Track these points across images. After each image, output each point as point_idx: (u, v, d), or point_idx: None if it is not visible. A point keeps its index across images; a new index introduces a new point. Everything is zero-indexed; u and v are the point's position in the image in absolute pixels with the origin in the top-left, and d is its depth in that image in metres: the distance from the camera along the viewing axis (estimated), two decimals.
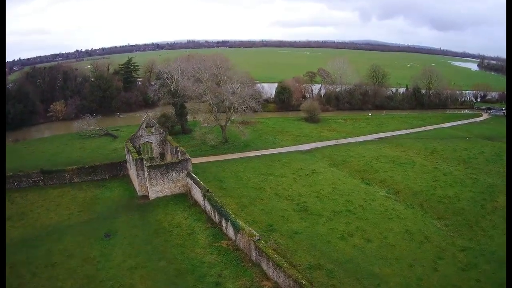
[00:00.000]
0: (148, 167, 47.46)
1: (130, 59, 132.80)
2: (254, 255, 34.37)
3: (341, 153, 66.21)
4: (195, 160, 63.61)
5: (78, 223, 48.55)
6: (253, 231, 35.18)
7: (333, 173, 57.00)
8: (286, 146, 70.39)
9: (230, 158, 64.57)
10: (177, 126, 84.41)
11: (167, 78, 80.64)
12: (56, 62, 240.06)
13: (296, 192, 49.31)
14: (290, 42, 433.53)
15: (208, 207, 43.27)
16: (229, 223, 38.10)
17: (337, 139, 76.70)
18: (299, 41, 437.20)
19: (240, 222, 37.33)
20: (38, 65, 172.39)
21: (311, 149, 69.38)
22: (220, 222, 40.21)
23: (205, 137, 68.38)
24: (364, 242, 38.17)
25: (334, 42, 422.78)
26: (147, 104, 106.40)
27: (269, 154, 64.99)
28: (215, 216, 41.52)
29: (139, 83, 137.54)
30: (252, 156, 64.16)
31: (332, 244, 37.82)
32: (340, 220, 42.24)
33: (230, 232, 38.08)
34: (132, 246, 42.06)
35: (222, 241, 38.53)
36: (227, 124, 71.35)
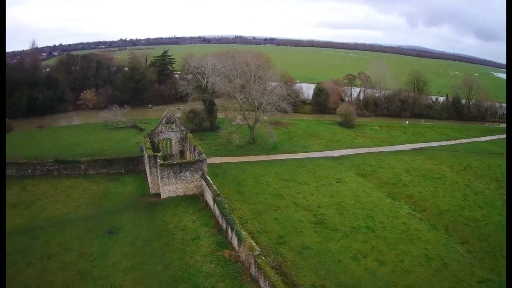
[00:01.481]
0: (161, 165, 52.42)
1: (166, 52, 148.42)
2: (254, 270, 36.63)
3: (371, 163, 71.26)
4: (218, 160, 68.50)
5: (84, 216, 54.90)
6: (254, 244, 37.49)
7: (358, 184, 61.29)
8: (316, 151, 76.53)
9: (254, 160, 69.81)
10: (206, 123, 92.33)
11: (198, 73, 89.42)
12: (98, 50, 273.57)
13: (316, 203, 53.01)
14: (338, 43, 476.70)
15: (217, 212, 46.82)
16: (234, 232, 40.92)
17: (370, 147, 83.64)
18: (347, 43, 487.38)
19: (244, 232, 39.93)
20: (73, 52, 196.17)
21: (340, 156, 74.95)
22: (227, 230, 43.40)
23: (230, 137, 75.15)
24: (378, 264, 40.40)
25: (381, 46, 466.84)
26: (180, 98, 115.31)
27: (296, 159, 71.64)
28: (222, 223, 44.90)
29: (176, 76, 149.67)
30: (278, 159, 70.85)
31: (342, 264, 40.11)
32: (356, 238, 45.09)
33: (235, 242, 40.83)
34: (132, 246, 46.72)
35: (225, 251, 41.49)
36: (256, 124, 77.58)
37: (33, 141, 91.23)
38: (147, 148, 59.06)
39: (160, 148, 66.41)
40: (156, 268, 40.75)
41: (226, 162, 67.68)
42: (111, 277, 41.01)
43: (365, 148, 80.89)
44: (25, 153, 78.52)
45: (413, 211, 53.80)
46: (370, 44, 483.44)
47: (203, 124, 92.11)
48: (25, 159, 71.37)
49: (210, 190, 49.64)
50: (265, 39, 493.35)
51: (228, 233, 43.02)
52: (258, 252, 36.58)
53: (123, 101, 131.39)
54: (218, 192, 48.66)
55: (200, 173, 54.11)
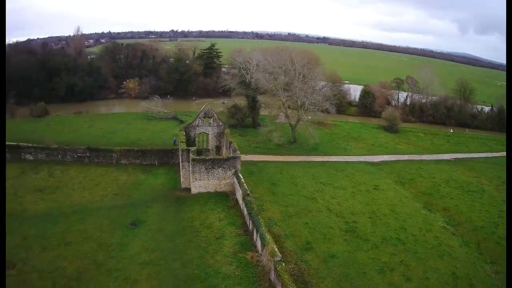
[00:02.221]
0: (193, 159, 54.66)
1: (213, 45, 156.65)
2: (273, 276, 37.21)
3: (411, 171, 74.25)
4: (255, 158, 70.68)
5: (109, 206, 56.97)
6: (276, 250, 38.03)
7: (396, 192, 63.59)
8: (357, 155, 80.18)
9: (293, 160, 71.80)
10: (248, 119, 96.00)
11: (243, 68, 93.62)
12: (148, 40, 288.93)
13: (349, 209, 54.73)
14: (390, 46, 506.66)
15: (245, 212, 48.39)
16: (258, 234, 41.76)
17: (412, 154, 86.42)
18: (398, 46, 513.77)
19: (268, 236, 40.55)
20: (120, 41, 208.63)
21: (381, 161, 78.03)
22: (253, 231, 44.57)
23: (270, 135, 77.81)
24: (403, 280, 41.16)
25: (432, 51, 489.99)
26: (224, 92, 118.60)
27: (335, 162, 74.09)
28: (249, 224, 46.25)
29: (224, 69, 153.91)
30: (317, 161, 73.12)
31: (367, 277, 40.93)
32: (386, 249, 46.31)
33: (259, 244, 41.69)
34: (154, 240, 47.74)
35: (248, 253, 42.33)
36: (299, 123, 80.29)
37: (69, 127, 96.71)
38: (181, 142, 61.36)
39: (196, 142, 68.69)
40: (174, 265, 42.33)
41: (263, 161, 71.08)
42: (126, 269, 42.16)
43: (407, 155, 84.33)
44: (59, 138, 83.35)
45: (447, 225, 55.01)
46: (421, 49, 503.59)
47: (245, 120, 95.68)
48: (56, 145, 75.24)
49: (241, 188, 51.18)
50: (318, 38, 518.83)
51: (253, 235, 43.98)
52: (279, 258, 37.12)
53: (167, 92, 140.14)
54: (248, 192, 49.91)
55: (233, 170, 55.79)
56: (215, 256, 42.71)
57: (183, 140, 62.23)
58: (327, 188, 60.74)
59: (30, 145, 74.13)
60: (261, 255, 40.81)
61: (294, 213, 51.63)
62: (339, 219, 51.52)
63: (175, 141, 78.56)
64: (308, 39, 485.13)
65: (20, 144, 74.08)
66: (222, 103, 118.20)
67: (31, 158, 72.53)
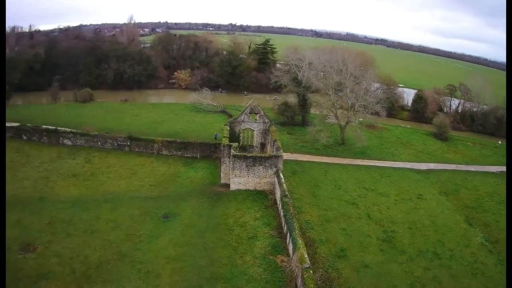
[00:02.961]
0: (234, 156, 56.23)
1: (268, 40, 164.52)
2: (299, 283, 37.33)
3: (456, 181, 73.85)
4: (301, 157, 71.28)
5: (144, 197, 58.12)
6: (305, 256, 38.25)
7: (438, 203, 63.41)
8: (404, 161, 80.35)
9: (338, 162, 72.46)
10: (297, 117, 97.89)
11: (295, 65, 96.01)
12: (205, 31, 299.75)
13: (390, 218, 55.02)
14: (446, 52, 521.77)
15: (282, 213, 48.88)
16: (291, 238, 41.99)
17: (459, 163, 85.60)
18: (454, 53, 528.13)
19: (300, 241, 40.74)
20: (175, 31, 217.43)
21: (428, 170, 78.18)
22: (286, 234, 45.11)
23: (318, 135, 79.30)
24: None
25: (487, 59, 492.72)
26: (277, 88, 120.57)
27: (382, 167, 74.27)
28: (284, 226, 46.76)
29: (279, 65, 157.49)
30: (363, 165, 73.54)
31: None
32: (420, 263, 45.92)
33: (291, 248, 41.94)
34: (184, 234, 47.98)
35: (279, 256, 42.42)
36: (348, 125, 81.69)
37: (114, 114, 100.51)
38: (224, 137, 63.17)
39: (240, 138, 69.90)
40: (200, 262, 42.50)
41: (309, 161, 71.51)
42: (150, 263, 42.58)
43: (453, 164, 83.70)
44: (101, 125, 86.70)
45: (486, 242, 53.95)
46: (476, 57, 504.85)
47: (295, 118, 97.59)
48: (96, 131, 77.84)
49: (280, 188, 51.96)
50: (376, 40, 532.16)
51: (287, 238, 44.32)
52: (308, 265, 37.22)
53: (218, 85, 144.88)
54: (287, 193, 50.45)
55: (274, 169, 56.92)
56: (244, 256, 42.97)
57: (226, 135, 64.25)
58: (370, 193, 61.12)
59: (68, 130, 77.16)
60: (291, 260, 40.88)
61: (332, 218, 52.07)
62: (378, 227, 51.77)
63: (216, 135, 79.95)
64: (366, 40, 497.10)
65: (58, 128, 77.21)
66: (273, 99, 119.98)
67: (70, 143, 75.37)
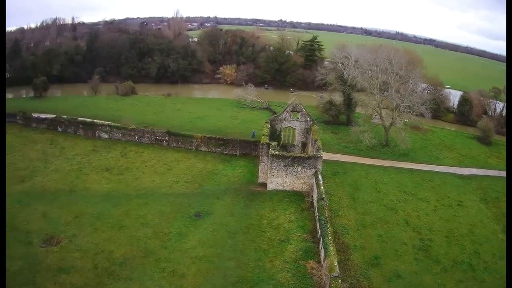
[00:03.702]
0: (272, 155, 56.34)
1: (315, 37, 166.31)
2: None
3: (497, 188, 71.29)
4: (343, 158, 70.86)
5: (177, 194, 58.25)
6: (335, 264, 37.59)
7: (478, 211, 61.91)
8: (447, 165, 78.49)
9: (381, 164, 71.38)
10: (342, 116, 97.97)
11: (341, 63, 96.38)
12: (255, 27, 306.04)
13: (428, 225, 53.71)
14: (492, 54, 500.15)
15: (317, 217, 48.54)
16: (323, 243, 41.57)
17: (501, 169, 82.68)
18: (500, 55, 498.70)
19: (332, 247, 39.96)
20: (223, 26, 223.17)
21: (470, 175, 76.21)
22: (320, 239, 44.15)
23: (361, 135, 79.13)
24: None
25: None
26: (323, 86, 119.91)
27: (424, 171, 72.73)
28: (318, 230, 45.84)
29: (327, 63, 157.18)
30: (405, 168, 72.32)
31: None
32: (454, 275, 44.71)
33: (322, 254, 41.37)
34: (214, 234, 47.57)
35: (309, 261, 41.24)
36: (392, 126, 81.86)
37: (155, 108, 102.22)
38: (263, 135, 63.26)
39: (281, 137, 69.91)
40: (227, 264, 42.04)
41: (351, 162, 70.67)
42: (176, 262, 42.46)
43: (496, 171, 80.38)
44: (141, 119, 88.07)
45: None
46: None
47: (340, 117, 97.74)
48: (134, 125, 78.95)
49: (317, 190, 51.51)
50: (425, 39, 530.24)
51: (320, 243, 43.63)
52: (337, 274, 36.62)
53: (264, 81, 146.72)
54: (323, 196, 49.83)
55: (313, 170, 56.57)
56: (274, 260, 42.33)
57: (266, 134, 64.19)
58: (410, 198, 59.90)
59: (106, 123, 78.66)
60: (321, 266, 40.24)
61: (369, 223, 51.14)
62: (415, 234, 50.74)
63: (254, 133, 79.66)
64: (415, 40, 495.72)
65: (95, 121, 78.91)
66: (319, 97, 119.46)
67: (106, 136, 76.82)
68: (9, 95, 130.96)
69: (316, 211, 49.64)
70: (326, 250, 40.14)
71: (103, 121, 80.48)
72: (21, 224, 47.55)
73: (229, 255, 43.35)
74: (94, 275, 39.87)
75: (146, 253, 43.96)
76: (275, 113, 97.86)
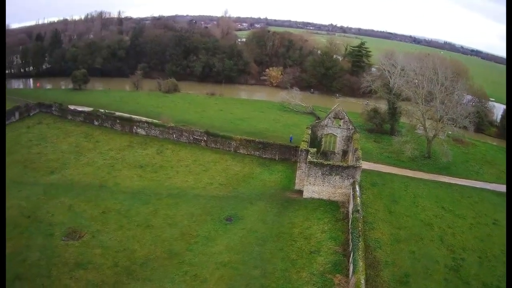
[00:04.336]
0: (310, 162, 56.12)
1: (363, 43, 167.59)
2: None
3: None
4: (384, 168, 69.92)
5: (210, 196, 57.85)
6: (362, 282, 36.89)
7: None
8: (486, 181, 76.79)
9: (421, 177, 69.97)
10: (386, 125, 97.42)
11: (387, 71, 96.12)
12: (305, 30, 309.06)
13: (462, 243, 52.15)
14: None
15: (350, 229, 47.64)
16: (353, 258, 40.71)
17: None
18: None
19: (361, 263, 39.06)
20: (273, 28, 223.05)
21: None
22: (351, 253, 43.16)
23: (404, 146, 79.03)
24: None
25: None
26: (369, 93, 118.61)
27: (464, 186, 71.54)
28: (350, 243, 44.83)
29: (374, 69, 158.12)
30: (445, 182, 70.68)
31: None
32: None
33: (351, 269, 40.36)
34: (243, 240, 46.59)
35: (337, 275, 40.60)
36: (435, 137, 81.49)
37: (196, 107, 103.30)
38: (303, 141, 63.03)
39: (322, 143, 69.44)
40: (252, 273, 40.98)
41: (391, 173, 69.68)
42: (199, 266, 41.76)
43: None
44: (181, 117, 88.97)
45: None
46: None
47: (384, 126, 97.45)
48: (173, 123, 79.33)
49: (353, 202, 50.87)
50: (472, 51, 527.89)
51: (350, 257, 42.61)
52: None
53: (310, 85, 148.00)
54: (359, 208, 48.86)
55: (351, 180, 56.08)
56: (301, 271, 41.12)
57: (306, 140, 63.80)
58: (447, 214, 58.50)
59: (144, 119, 79.31)
60: (348, 282, 39.58)
61: (404, 238, 49.87)
62: (448, 253, 49.26)
63: (291, 138, 79.13)
64: (462, 50, 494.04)
65: (133, 116, 79.70)
66: (365, 104, 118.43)
67: (143, 133, 77.49)
68: (47, 86, 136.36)
69: (350, 223, 48.95)
70: (355, 265, 39.24)
71: (141, 117, 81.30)
72: (45, 215, 48.13)
73: (255, 263, 42.34)
74: (113, 273, 39.58)
75: (170, 254, 43.49)
76: (318, 118, 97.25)
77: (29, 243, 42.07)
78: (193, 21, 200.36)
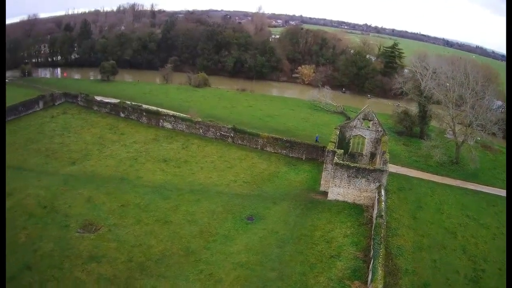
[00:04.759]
0: (336, 163, 55.31)
1: (396, 44, 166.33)
2: None
3: None
4: (411, 173, 68.83)
5: (233, 193, 57.06)
6: None
7: None
8: None
9: (448, 183, 68.72)
10: (416, 128, 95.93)
11: (419, 73, 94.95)
12: (339, 29, 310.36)
13: (484, 254, 51.19)
14: None
15: (373, 235, 46.93)
16: (372, 265, 40.09)
17: None
18: None
19: (380, 271, 38.38)
20: (305, 26, 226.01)
21: None
22: (371, 259, 42.39)
23: (432, 150, 78.00)
24: None
25: None
26: (401, 95, 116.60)
27: (490, 194, 70.18)
28: (372, 249, 44.02)
29: (407, 71, 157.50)
30: (471, 189, 69.51)
31: None
32: None
33: (370, 276, 39.80)
34: (262, 241, 45.54)
35: (355, 282, 39.59)
36: (464, 143, 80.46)
37: (226, 103, 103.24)
38: (330, 141, 62.59)
39: (350, 145, 68.81)
40: (269, 275, 40.02)
41: (418, 177, 68.25)
42: (216, 265, 41.13)
43: None
44: (209, 112, 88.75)
45: None
46: None
47: (414, 129, 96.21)
48: (200, 118, 78.93)
49: (378, 206, 50.13)
50: (502, 56, 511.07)
51: (370, 263, 41.81)
52: None
53: (342, 84, 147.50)
54: (382, 213, 47.87)
55: (377, 184, 55.01)
56: (319, 276, 39.99)
57: (333, 140, 62.98)
58: (471, 223, 57.35)
59: (171, 113, 79.05)
60: None
61: (426, 246, 48.79)
62: (470, 263, 48.22)
63: (317, 137, 77.94)
64: (493, 55, 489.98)
65: (160, 110, 79.50)
66: (396, 106, 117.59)
67: (170, 126, 77.32)
68: (75, 76, 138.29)
69: (373, 228, 48.15)
70: (374, 273, 38.40)
71: (169, 111, 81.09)
72: (62, 206, 48.16)
73: (273, 265, 41.37)
74: (126, 268, 39.19)
75: (186, 252, 42.90)
76: (348, 118, 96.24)
77: (43, 234, 42.10)
78: (227, 16, 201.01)
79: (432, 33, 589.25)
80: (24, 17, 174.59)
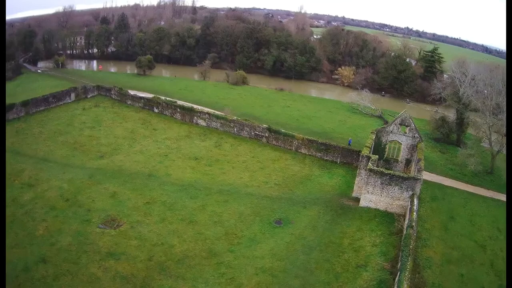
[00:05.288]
0: (370, 169, 54.29)
1: (436, 48, 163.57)
2: None
3: None
4: (446, 181, 67.68)
5: (262, 195, 55.63)
6: None
7: None
8: None
9: (482, 193, 66.64)
10: (453, 135, 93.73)
11: (458, 78, 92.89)
12: (381, 32, 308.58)
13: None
14: None
15: (402, 246, 45.49)
16: (398, 278, 38.89)
17: None
18: None
19: (405, 285, 36.72)
20: (346, 27, 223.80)
21: None
22: (398, 272, 41.00)
23: (468, 159, 76.34)
24: None
25: None
26: (438, 101, 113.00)
27: None
28: (399, 261, 42.58)
29: (446, 76, 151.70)
30: (503, 201, 66.68)
31: None
32: None
33: None
34: (288, 247, 44.20)
35: None
36: (499, 153, 79.17)
37: (263, 102, 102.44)
38: (365, 146, 61.20)
39: (386, 150, 67.38)
40: (292, 282, 38.70)
41: (452, 187, 66.17)
42: (238, 269, 40.00)
43: None
44: (245, 110, 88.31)
45: None
46: None
47: (451, 136, 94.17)
48: (237, 116, 78.27)
49: (409, 216, 49.05)
50: None
51: (397, 275, 40.48)
52: None
53: (382, 88, 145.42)
54: (413, 223, 46.51)
55: (410, 192, 53.70)
56: (343, 286, 38.80)
57: (368, 145, 61.62)
58: (502, 236, 54.82)
59: (206, 110, 78.51)
60: None
61: (455, 259, 47.02)
62: (496, 279, 45.98)
63: (350, 141, 76.42)
64: None
65: (195, 106, 78.88)
66: (434, 111, 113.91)
67: (204, 124, 76.82)
68: (111, 69, 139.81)
69: (402, 239, 46.63)
70: (399, 287, 37.21)
71: (203, 108, 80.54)
72: (85, 200, 47.99)
73: (297, 273, 39.97)
74: (145, 267, 38.51)
75: (209, 254, 41.89)
76: (386, 122, 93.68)
77: (62, 227, 41.83)
78: (269, 14, 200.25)
79: (471, 39, 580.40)
80: (59, 8, 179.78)
